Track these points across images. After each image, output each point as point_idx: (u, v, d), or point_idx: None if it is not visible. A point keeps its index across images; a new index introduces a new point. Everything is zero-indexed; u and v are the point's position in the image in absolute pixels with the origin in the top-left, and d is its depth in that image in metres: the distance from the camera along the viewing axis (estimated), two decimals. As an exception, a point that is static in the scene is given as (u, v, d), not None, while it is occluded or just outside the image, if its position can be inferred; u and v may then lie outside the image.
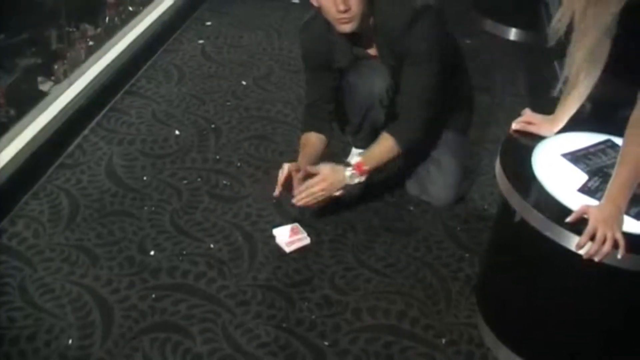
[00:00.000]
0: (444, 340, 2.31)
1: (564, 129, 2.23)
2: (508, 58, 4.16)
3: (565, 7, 1.99)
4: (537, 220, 1.93)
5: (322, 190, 2.56)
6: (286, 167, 2.62)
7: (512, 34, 4.40)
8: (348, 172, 2.57)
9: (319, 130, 2.78)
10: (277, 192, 2.63)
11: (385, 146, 2.61)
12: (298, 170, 2.62)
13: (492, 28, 4.46)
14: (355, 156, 2.60)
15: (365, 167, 2.58)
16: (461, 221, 2.83)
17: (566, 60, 2.07)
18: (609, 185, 1.90)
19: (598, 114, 2.26)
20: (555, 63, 2.91)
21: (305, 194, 2.56)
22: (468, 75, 2.93)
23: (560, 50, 2.10)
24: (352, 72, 2.70)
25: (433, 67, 2.55)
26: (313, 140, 2.77)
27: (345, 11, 2.41)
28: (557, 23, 2.01)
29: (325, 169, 2.57)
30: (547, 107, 2.29)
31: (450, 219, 2.84)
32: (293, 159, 2.74)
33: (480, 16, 4.53)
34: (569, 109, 2.21)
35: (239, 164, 3.06)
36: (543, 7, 3.70)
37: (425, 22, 2.48)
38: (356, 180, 2.59)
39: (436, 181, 2.85)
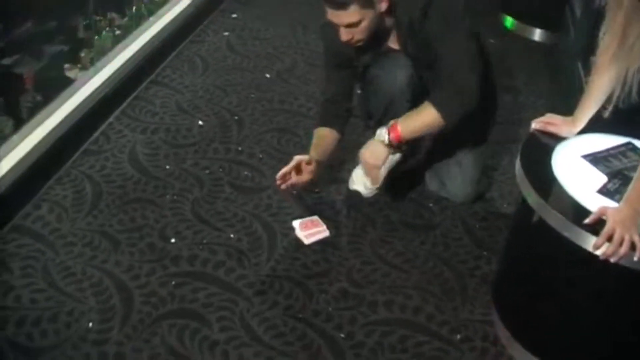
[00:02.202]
0: (458, 336, 2.33)
1: (585, 130, 2.24)
2: (532, 58, 4.15)
3: (609, 22, 2.01)
4: (556, 220, 1.94)
5: (369, 164, 2.53)
6: (295, 159, 2.63)
7: (537, 34, 4.39)
8: (379, 130, 2.51)
9: (334, 126, 2.78)
10: (278, 182, 2.62)
11: (426, 115, 2.45)
12: (309, 163, 2.64)
13: (516, 28, 4.46)
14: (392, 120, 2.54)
15: (399, 129, 2.45)
16: (480, 219, 2.84)
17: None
18: (628, 188, 1.91)
19: (619, 117, 2.26)
20: (579, 64, 2.91)
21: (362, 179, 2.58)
22: (493, 75, 2.93)
23: (584, 52, 2.11)
24: (374, 65, 2.70)
25: (462, 36, 2.48)
26: (327, 135, 2.78)
27: (349, 41, 2.45)
28: (603, 37, 2.04)
29: (361, 151, 2.57)
30: (569, 108, 2.30)
31: (469, 216, 2.85)
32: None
33: (505, 16, 4.52)
34: (588, 110, 2.22)
35: (260, 156, 3.08)
36: (568, 9, 3.70)
37: (439, 3, 2.46)
38: (384, 137, 2.48)
39: (455, 178, 2.86)
